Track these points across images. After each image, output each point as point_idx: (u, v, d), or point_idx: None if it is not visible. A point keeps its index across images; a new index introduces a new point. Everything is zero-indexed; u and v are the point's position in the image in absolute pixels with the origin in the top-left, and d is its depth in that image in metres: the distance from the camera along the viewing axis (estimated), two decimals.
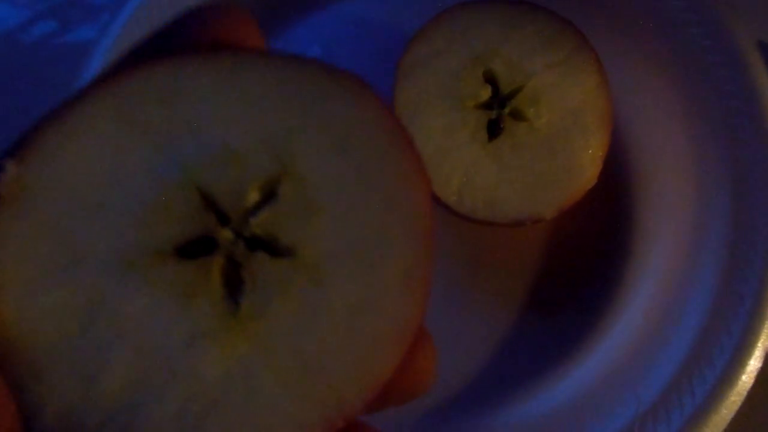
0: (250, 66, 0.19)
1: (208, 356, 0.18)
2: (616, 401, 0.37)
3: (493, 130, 0.38)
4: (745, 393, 0.35)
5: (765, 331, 0.36)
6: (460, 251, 0.41)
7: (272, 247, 0.19)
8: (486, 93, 0.38)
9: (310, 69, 0.20)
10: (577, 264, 0.41)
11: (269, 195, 0.19)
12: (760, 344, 0.36)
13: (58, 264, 0.18)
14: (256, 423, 0.18)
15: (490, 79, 0.38)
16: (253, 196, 0.19)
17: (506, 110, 0.38)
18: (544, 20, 0.39)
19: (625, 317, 0.39)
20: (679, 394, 0.36)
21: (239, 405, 0.18)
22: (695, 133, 0.41)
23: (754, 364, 0.36)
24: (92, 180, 0.18)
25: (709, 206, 0.39)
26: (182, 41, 0.20)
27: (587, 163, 0.38)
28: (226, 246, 0.19)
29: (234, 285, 0.19)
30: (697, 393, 0.36)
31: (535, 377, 0.39)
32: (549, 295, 0.41)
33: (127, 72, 0.19)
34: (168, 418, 0.18)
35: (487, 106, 0.38)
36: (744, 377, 0.35)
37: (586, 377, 0.39)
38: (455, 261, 0.41)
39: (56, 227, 0.18)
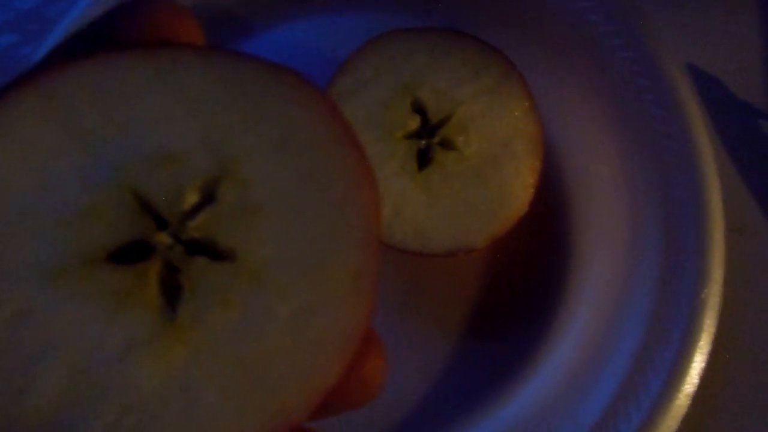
0: (187, 62, 0.18)
1: (144, 367, 0.17)
2: (555, 427, 0.37)
3: (423, 160, 0.38)
4: (681, 417, 0.35)
5: (698, 354, 0.36)
6: (394, 281, 0.40)
7: (212, 251, 0.18)
8: (414, 122, 0.38)
9: (250, 65, 0.19)
10: (513, 292, 0.40)
11: (208, 197, 0.18)
12: (694, 368, 0.36)
13: None
14: None
15: (419, 109, 0.38)
16: (191, 199, 0.18)
17: (435, 139, 0.38)
18: (471, 48, 0.39)
19: (561, 344, 0.39)
20: (615, 420, 0.36)
21: (178, 417, 0.17)
22: (626, 157, 0.41)
23: (688, 387, 0.36)
24: (16, 184, 0.17)
25: (641, 231, 0.40)
26: (115, 36, 0.19)
27: (519, 191, 0.38)
28: (163, 250, 0.18)
29: (172, 291, 0.18)
30: (633, 417, 0.35)
31: (474, 405, 0.39)
32: (485, 324, 0.40)
33: (55, 68, 0.18)
34: None
35: (416, 135, 0.38)
36: (679, 401, 0.35)
37: (524, 403, 0.38)
38: (389, 291, 0.40)
39: None
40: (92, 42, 0.19)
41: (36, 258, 0.17)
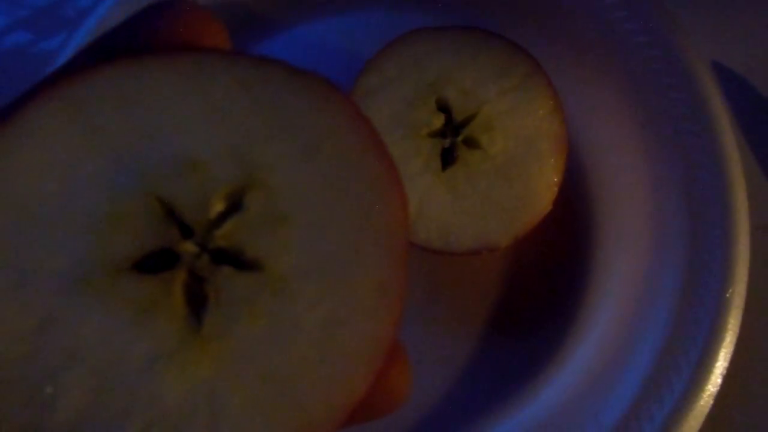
0: (213, 68, 0.18)
1: (169, 378, 0.17)
2: (577, 427, 0.37)
3: (447, 158, 0.38)
4: (703, 416, 0.35)
5: (722, 354, 0.36)
6: (418, 279, 0.41)
7: (238, 261, 0.18)
8: (439, 121, 0.38)
9: (276, 71, 0.18)
10: (535, 291, 0.41)
11: (235, 205, 0.18)
12: (717, 368, 0.36)
13: (7, 281, 0.17)
14: None
15: (444, 107, 0.38)
16: (218, 207, 0.18)
17: (460, 138, 0.38)
18: (496, 47, 0.39)
19: (584, 343, 0.39)
20: (638, 419, 0.36)
21: (203, 430, 0.17)
22: (650, 156, 0.41)
23: (711, 387, 0.36)
24: (42, 190, 0.17)
25: (665, 230, 0.39)
26: (141, 41, 0.18)
27: (543, 190, 0.38)
28: (189, 259, 0.18)
29: (197, 301, 0.18)
30: (656, 417, 0.36)
31: (496, 404, 0.39)
32: (508, 323, 0.40)
33: (82, 73, 0.17)
34: None
35: (440, 134, 0.38)
36: (702, 401, 0.35)
37: (546, 403, 0.38)
38: (412, 289, 0.40)
39: (3, 242, 0.17)
40: (117, 46, 0.18)
41: (61, 266, 0.17)
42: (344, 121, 0.19)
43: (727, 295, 0.36)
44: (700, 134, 0.40)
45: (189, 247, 0.18)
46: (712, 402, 0.36)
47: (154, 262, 0.18)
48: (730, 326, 0.36)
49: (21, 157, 0.17)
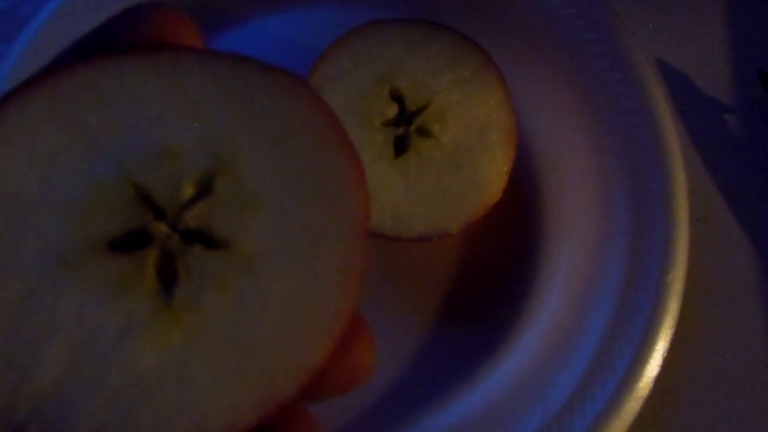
0: (187, 64, 0.19)
1: (141, 348, 0.18)
2: (525, 409, 0.38)
3: (400, 147, 0.39)
4: (643, 398, 0.37)
5: (663, 337, 0.37)
6: (370, 265, 0.41)
7: (207, 240, 0.19)
8: (392, 110, 0.39)
9: (247, 67, 0.20)
10: (486, 277, 0.42)
11: (205, 190, 0.20)
12: (658, 350, 0.37)
13: None
14: (189, 411, 0.18)
15: (397, 97, 0.39)
16: (188, 191, 0.19)
17: (413, 127, 0.39)
18: (448, 39, 0.40)
19: (533, 326, 0.40)
20: (582, 400, 0.37)
21: (172, 395, 0.18)
22: (596, 147, 0.42)
23: (652, 369, 0.37)
24: (23, 177, 0.18)
25: (610, 218, 0.41)
26: (119, 40, 0.19)
27: (493, 179, 0.39)
28: (161, 239, 0.19)
29: (169, 278, 0.19)
30: (599, 398, 0.37)
31: (445, 390, 0.40)
32: (459, 308, 0.41)
33: (62, 71, 0.19)
34: (98, 411, 0.18)
35: (393, 123, 0.39)
36: (642, 383, 0.37)
37: (496, 386, 0.39)
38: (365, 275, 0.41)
39: None
40: (97, 46, 0.20)
41: (41, 246, 0.18)
42: (310, 113, 0.20)
43: (668, 280, 0.38)
44: (643, 127, 0.41)
45: (161, 227, 0.19)
46: (653, 384, 0.37)
47: (128, 243, 0.19)
48: (670, 309, 0.38)
49: (5, 148, 0.18)
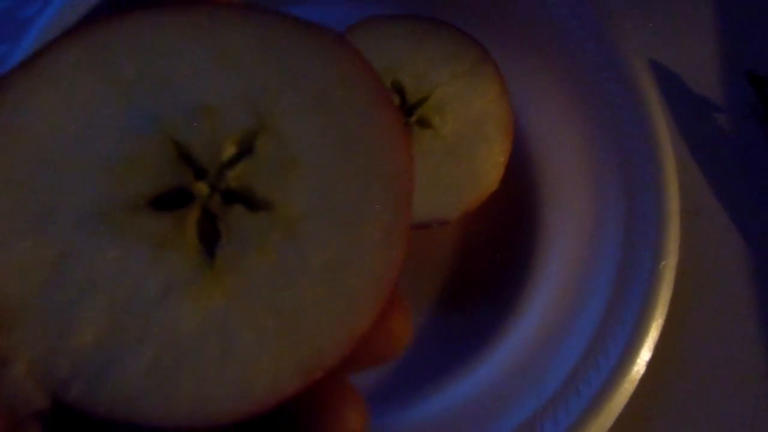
0: (227, 21, 0.19)
1: (183, 308, 0.18)
2: (521, 393, 0.39)
3: None
4: (636, 381, 0.37)
5: (655, 323, 0.38)
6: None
7: (249, 201, 0.19)
8: (394, 102, 0.40)
9: (287, 24, 0.19)
10: (483, 264, 0.43)
11: (246, 150, 0.19)
12: (650, 336, 0.38)
13: (27, 217, 0.18)
14: (231, 375, 0.18)
15: (398, 89, 0.40)
16: (230, 150, 0.19)
17: (413, 118, 0.40)
18: (447, 34, 0.41)
19: (528, 314, 0.41)
20: (576, 383, 0.38)
21: (214, 358, 0.18)
22: (590, 140, 0.44)
23: (644, 354, 0.38)
24: (62, 131, 0.18)
25: (603, 209, 0.42)
26: None
27: (490, 169, 0.40)
28: (202, 199, 0.19)
29: (210, 238, 0.19)
30: (594, 381, 0.38)
31: (442, 374, 0.40)
32: (455, 294, 0.42)
33: (101, 22, 0.18)
34: (139, 370, 0.17)
35: None
36: (636, 367, 0.38)
37: (491, 372, 0.40)
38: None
39: (24, 179, 0.18)
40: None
41: (80, 203, 0.18)
42: (352, 71, 0.19)
43: (660, 268, 0.39)
44: (636, 122, 0.42)
45: (202, 187, 0.19)
46: (644, 369, 0.38)
47: (169, 201, 0.19)
48: (662, 296, 0.39)
49: (42, 100, 0.18)
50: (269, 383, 0.18)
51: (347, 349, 0.18)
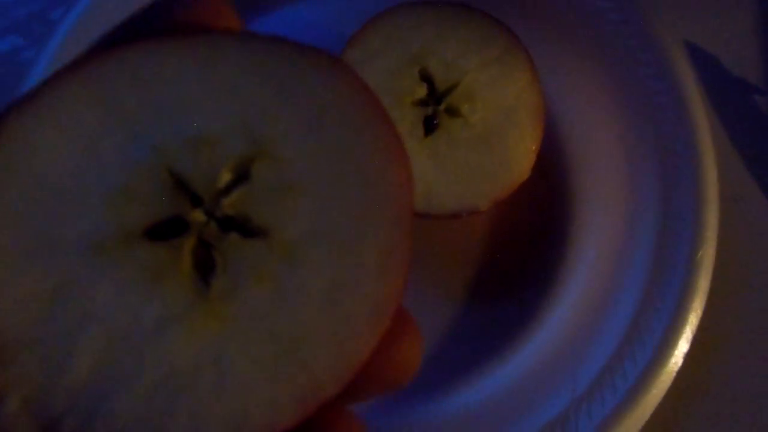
0: (223, 48, 0.19)
1: (178, 339, 0.18)
2: (554, 387, 0.39)
3: (430, 126, 0.39)
4: (674, 373, 0.37)
5: (693, 314, 0.37)
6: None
7: (245, 228, 0.19)
8: (422, 90, 0.39)
9: (284, 48, 0.19)
10: (514, 254, 0.42)
11: (243, 176, 0.19)
12: (688, 327, 0.37)
13: (26, 249, 0.17)
14: (227, 406, 0.18)
15: (426, 77, 0.40)
16: (226, 177, 0.19)
17: (442, 107, 0.39)
18: (477, 20, 0.40)
19: (561, 305, 0.40)
20: (611, 376, 0.37)
21: (210, 388, 0.18)
22: (624, 126, 0.43)
23: (682, 346, 0.37)
24: (61, 163, 0.18)
25: (638, 197, 0.41)
26: (157, 25, 0.19)
27: (521, 157, 0.39)
28: (198, 227, 0.19)
29: (206, 267, 0.19)
30: (629, 374, 0.37)
31: (474, 367, 0.40)
32: (487, 285, 0.42)
33: (101, 55, 0.18)
34: (135, 404, 0.17)
35: (423, 103, 0.39)
36: (673, 359, 0.37)
37: (524, 363, 0.40)
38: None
39: (23, 212, 0.18)
40: (134, 31, 0.19)
41: (78, 234, 0.18)
42: (350, 94, 0.19)
43: (698, 257, 0.38)
44: (672, 106, 0.41)
45: (197, 215, 0.19)
46: (682, 361, 0.37)
47: (165, 230, 0.19)
48: (700, 286, 0.38)
49: (43, 134, 0.18)
50: (265, 414, 0.18)
51: (347, 378, 0.18)
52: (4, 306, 0.17)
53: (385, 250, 0.19)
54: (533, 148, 0.39)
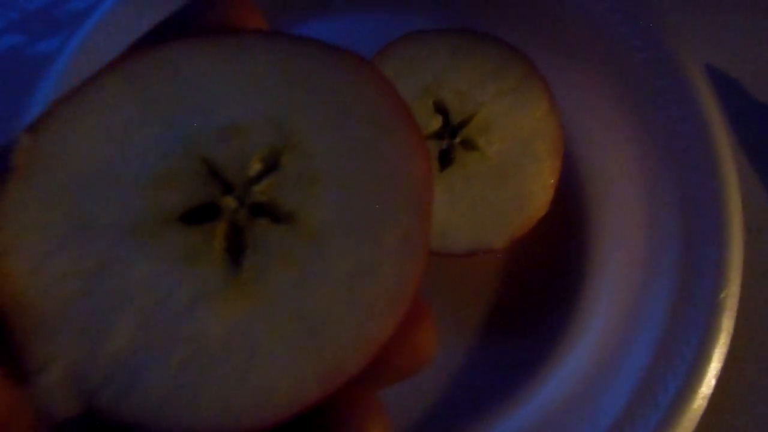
0: (253, 47, 0.20)
1: (210, 317, 0.19)
2: (571, 429, 0.37)
3: (445, 160, 0.38)
4: (698, 418, 0.35)
5: (716, 355, 0.36)
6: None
7: (274, 214, 0.20)
8: (437, 123, 0.38)
9: (310, 47, 0.20)
10: (531, 292, 0.41)
11: (272, 166, 0.20)
12: (711, 369, 0.36)
13: (68, 230, 0.19)
14: (255, 380, 0.19)
15: (441, 109, 0.38)
16: (256, 167, 0.20)
17: (457, 140, 0.38)
18: (492, 49, 0.39)
19: (580, 345, 0.39)
20: (632, 420, 0.36)
21: (239, 363, 0.19)
22: (644, 158, 0.41)
23: (705, 389, 0.36)
24: (102, 152, 0.19)
25: (659, 232, 0.40)
26: (190, 25, 0.21)
27: (539, 191, 0.38)
28: (229, 213, 0.20)
29: (237, 250, 0.20)
30: (651, 419, 0.36)
31: (490, 406, 0.39)
32: (504, 325, 0.41)
33: (139, 53, 0.20)
34: (168, 378, 0.18)
35: (438, 136, 0.38)
36: (696, 402, 0.36)
37: (541, 404, 0.39)
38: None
39: (66, 196, 0.19)
40: (170, 31, 0.21)
41: (116, 218, 0.19)
42: (372, 89, 0.20)
43: (721, 297, 0.37)
44: (694, 136, 0.40)
45: (229, 201, 0.20)
46: (705, 404, 0.36)
47: (198, 215, 0.20)
48: (724, 327, 0.36)
49: (86, 123, 0.19)
50: (291, 389, 0.19)
51: (367, 357, 0.19)
52: (46, 281, 0.18)
53: (405, 237, 0.20)
54: (551, 181, 0.38)
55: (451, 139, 0.38)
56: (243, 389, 0.18)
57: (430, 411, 0.39)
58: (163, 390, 0.18)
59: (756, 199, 0.43)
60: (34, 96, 0.40)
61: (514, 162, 0.38)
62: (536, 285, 0.41)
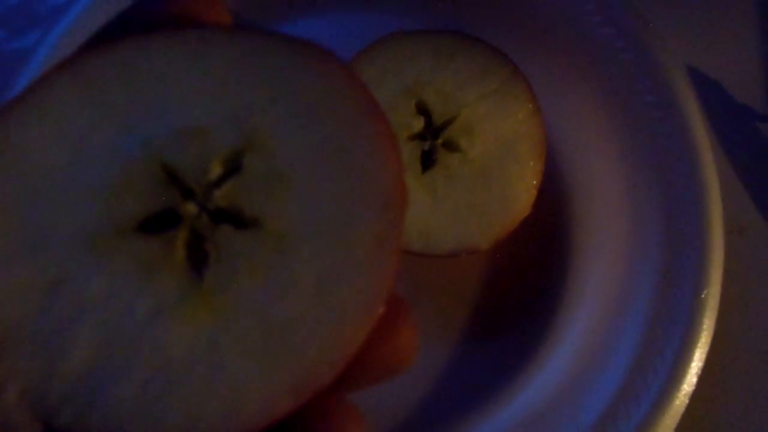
0: (213, 42, 0.19)
1: (172, 331, 0.18)
2: (556, 427, 0.38)
3: (427, 161, 0.38)
4: (679, 415, 0.36)
5: (697, 354, 0.36)
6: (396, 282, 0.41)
7: (237, 219, 0.19)
8: (419, 124, 0.38)
9: (273, 42, 0.19)
10: (514, 293, 0.41)
11: (234, 168, 0.19)
12: (693, 367, 0.36)
13: (20, 244, 0.18)
14: (222, 394, 0.18)
15: (423, 110, 0.38)
16: (217, 170, 0.19)
17: (439, 141, 0.38)
18: (476, 50, 0.39)
19: (562, 344, 0.39)
20: (615, 418, 0.36)
21: (204, 379, 0.18)
22: (626, 159, 0.41)
23: (687, 387, 0.36)
24: (54, 159, 0.18)
25: (641, 232, 0.40)
26: (148, 19, 0.20)
27: (521, 193, 0.38)
28: (190, 219, 0.19)
29: (199, 258, 0.19)
30: (633, 416, 0.36)
31: (474, 406, 0.39)
32: (486, 325, 0.41)
33: (91, 52, 0.19)
34: (130, 394, 0.17)
35: (420, 137, 0.38)
36: (678, 400, 0.36)
37: (525, 404, 0.39)
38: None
39: (18, 208, 0.18)
40: (125, 27, 0.20)
41: (72, 229, 0.18)
42: (339, 85, 0.19)
43: (702, 297, 0.37)
44: (675, 137, 0.40)
45: (190, 207, 0.19)
46: (687, 401, 0.36)
47: (157, 223, 0.19)
48: (705, 327, 0.37)
49: (35, 130, 0.18)
50: (260, 403, 0.18)
51: (341, 365, 0.18)
52: (0, 299, 0.18)
53: (376, 239, 0.19)
54: (534, 183, 0.38)
55: (434, 140, 0.38)
56: (209, 404, 0.18)
57: (413, 412, 0.39)
58: (125, 407, 0.17)
59: (737, 200, 0.43)
60: (12, 91, 0.40)
61: (497, 163, 0.38)
62: (519, 286, 0.41)
